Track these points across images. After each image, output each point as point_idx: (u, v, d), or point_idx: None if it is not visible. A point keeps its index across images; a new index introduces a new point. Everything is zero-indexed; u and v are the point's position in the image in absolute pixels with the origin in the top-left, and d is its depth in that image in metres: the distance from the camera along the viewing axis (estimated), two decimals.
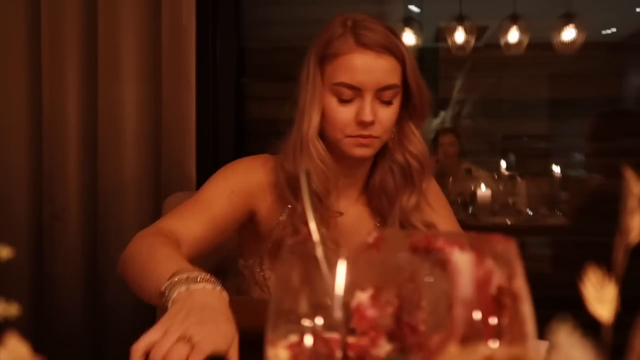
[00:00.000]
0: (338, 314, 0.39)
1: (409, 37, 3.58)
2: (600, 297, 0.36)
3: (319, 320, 0.40)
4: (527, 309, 0.39)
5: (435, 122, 4.23)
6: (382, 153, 1.25)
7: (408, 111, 1.23)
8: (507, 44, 3.50)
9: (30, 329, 1.72)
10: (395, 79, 1.16)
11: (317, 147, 1.18)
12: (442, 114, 4.26)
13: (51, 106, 1.75)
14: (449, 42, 3.59)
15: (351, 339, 0.40)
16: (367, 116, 1.14)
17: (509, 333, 0.38)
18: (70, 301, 1.76)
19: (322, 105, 1.18)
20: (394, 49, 1.15)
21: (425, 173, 1.25)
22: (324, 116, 1.18)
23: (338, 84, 1.15)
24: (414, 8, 4.08)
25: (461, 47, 3.57)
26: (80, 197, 1.76)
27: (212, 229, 1.16)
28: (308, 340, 0.40)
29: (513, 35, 3.49)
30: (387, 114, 1.17)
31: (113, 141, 1.74)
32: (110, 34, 1.73)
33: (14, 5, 1.77)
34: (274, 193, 1.23)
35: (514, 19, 3.49)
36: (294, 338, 0.41)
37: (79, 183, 1.76)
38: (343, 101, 1.16)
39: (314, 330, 0.40)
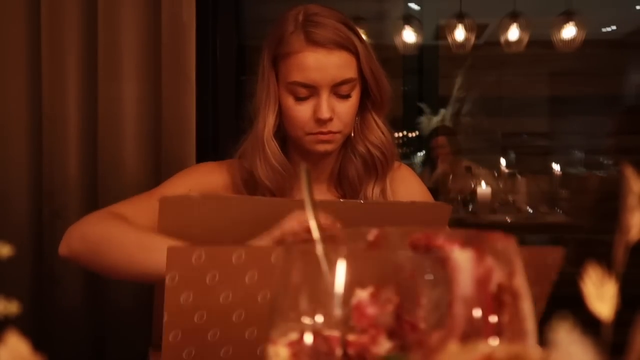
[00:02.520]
0: (338, 311, 0.39)
1: (409, 35, 3.58)
2: (601, 294, 0.36)
3: (319, 318, 0.40)
4: (527, 307, 0.39)
5: (435, 120, 4.23)
6: (344, 144, 1.24)
7: (370, 101, 1.22)
8: (507, 42, 3.50)
9: (30, 327, 1.72)
10: (350, 72, 1.15)
11: (272, 148, 1.18)
12: (442, 112, 4.27)
13: (51, 104, 1.75)
14: (449, 39, 3.59)
15: (351, 337, 0.40)
16: (324, 114, 1.13)
17: (509, 331, 0.38)
18: (71, 299, 1.76)
19: (278, 104, 1.18)
20: (346, 43, 1.14)
21: (389, 162, 1.24)
22: (282, 114, 1.18)
23: (292, 83, 1.14)
24: (414, 6, 4.08)
25: (461, 45, 3.57)
26: (80, 194, 1.76)
27: None
28: (308, 338, 0.40)
29: (513, 33, 3.49)
30: (345, 108, 1.16)
31: (113, 139, 1.74)
32: (110, 31, 1.73)
33: (14, 2, 1.76)
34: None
35: (514, 17, 3.49)
36: (294, 336, 0.41)
37: (79, 181, 1.76)
38: (299, 99, 1.15)
39: (314, 328, 0.40)
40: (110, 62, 1.73)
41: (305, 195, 0.46)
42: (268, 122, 1.17)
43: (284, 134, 1.22)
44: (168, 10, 1.72)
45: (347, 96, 1.16)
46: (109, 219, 1.14)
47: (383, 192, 1.25)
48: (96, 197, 1.76)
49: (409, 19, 3.61)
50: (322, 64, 1.12)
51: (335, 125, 1.16)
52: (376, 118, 1.23)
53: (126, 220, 1.13)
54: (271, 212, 1.08)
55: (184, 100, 1.73)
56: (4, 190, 1.76)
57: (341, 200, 1.23)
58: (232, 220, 1.08)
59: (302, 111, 1.15)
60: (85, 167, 1.77)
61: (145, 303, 1.04)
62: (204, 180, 1.24)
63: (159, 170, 1.75)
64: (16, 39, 1.77)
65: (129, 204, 1.19)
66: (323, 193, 1.29)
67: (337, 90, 1.15)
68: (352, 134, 1.23)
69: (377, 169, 1.24)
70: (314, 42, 1.12)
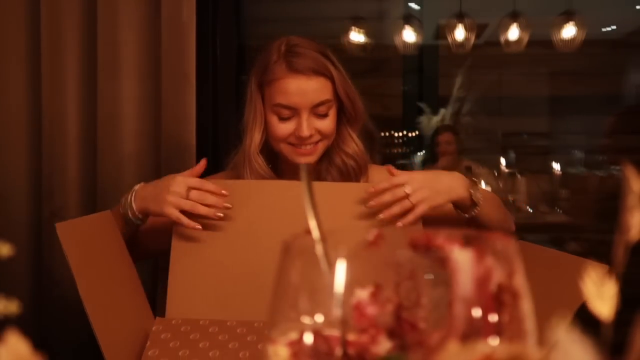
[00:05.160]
0: (338, 311, 0.39)
1: (409, 35, 3.58)
2: (601, 294, 0.36)
3: (319, 318, 0.40)
4: (527, 307, 0.39)
5: (435, 120, 4.23)
6: (322, 156, 1.38)
7: (345, 117, 1.37)
8: (507, 42, 3.50)
9: (30, 326, 1.72)
10: (326, 94, 1.31)
11: (258, 162, 1.34)
12: (442, 111, 4.27)
13: (51, 103, 1.75)
14: (449, 39, 3.59)
15: (351, 337, 0.40)
16: (304, 132, 1.29)
17: (509, 330, 0.38)
18: (70, 298, 1.75)
19: (264, 123, 1.34)
20: (323, 70, 1.30)
21: (362, 170, 1.39)
22: (267, 131, 1.34)
23: (276, 104, 1.30)
24: (414, 5, 4.08)
25: (461, 45, 3.57)
26: (79, 194, 1.76)
27: (157, 228, 1.33)
28: (308, 337, 0.40)
29: (513, 33, 3.49)
30: (324, 125, 1.32)
31: (112, 138, 1.74)
32: (110, 31, 1.73)
33: (14, 2, 1.76)
34: None
35: (514, 17, 3.49)
36: (293, 335, 0.41)
37: (78, 180, 1.76)
38: (282, 119, 1.31)
39: (314, 328, 0.40)
40: (110, 62, 1.73)
41: (305, 195, 0.46)
42: (254, 139, 1.33)
43: (271, 149, 1.37)
44: (168, 10, 1.72)
45: (325, 115, 1.32)
46: None
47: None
48: (95, 198, 1.76)
49: (409, 18, 3.61)
50: (302, 88, 1.28)
51: (315, 138, 1.32)
52: (350, 132, 1.38)
53: None
54: (268, 193, 1.26)
55: (183, 100, 1.73)
56: (4, 190, 1.76)
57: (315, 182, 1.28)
58: (232, 202, 1.23)
59: (285, 129, 1.31)
60: (85, 167, 1.77)
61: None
62: None
63: (158, 169, 1.75)
64: (16, 39, 1.77)
65: None
66: None
67: (316, 110, 1.30)
68: (330, 147, 1.38)
69: (351, 176, 1.38)
70: (294, 70, 1.28)
